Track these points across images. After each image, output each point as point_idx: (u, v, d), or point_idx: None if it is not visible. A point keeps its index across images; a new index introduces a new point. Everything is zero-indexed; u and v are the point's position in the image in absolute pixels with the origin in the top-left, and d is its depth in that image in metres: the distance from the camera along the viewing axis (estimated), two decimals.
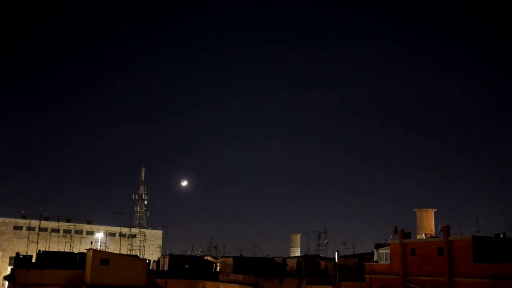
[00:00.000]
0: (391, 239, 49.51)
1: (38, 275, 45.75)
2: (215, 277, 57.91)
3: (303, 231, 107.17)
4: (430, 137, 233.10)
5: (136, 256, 57.41)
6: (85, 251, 49.30)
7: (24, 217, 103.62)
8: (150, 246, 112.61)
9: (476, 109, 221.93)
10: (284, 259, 63.53)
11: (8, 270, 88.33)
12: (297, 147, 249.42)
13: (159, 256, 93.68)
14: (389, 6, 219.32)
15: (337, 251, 50.47)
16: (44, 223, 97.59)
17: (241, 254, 70.39)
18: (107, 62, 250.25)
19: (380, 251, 50.68)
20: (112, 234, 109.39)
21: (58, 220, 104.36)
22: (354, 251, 70.64)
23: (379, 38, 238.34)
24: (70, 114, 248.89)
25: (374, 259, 51.91)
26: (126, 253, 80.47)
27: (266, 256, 73.14)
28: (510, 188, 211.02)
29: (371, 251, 55.55)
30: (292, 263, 61.29)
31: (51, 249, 72.92)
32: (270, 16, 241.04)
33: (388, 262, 48.71)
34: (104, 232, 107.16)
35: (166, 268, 64.02)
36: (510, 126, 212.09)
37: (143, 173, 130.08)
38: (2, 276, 74.79)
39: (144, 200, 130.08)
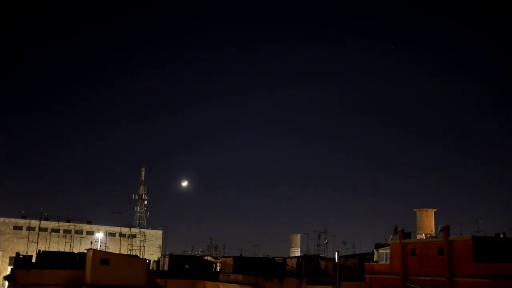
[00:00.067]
0: (391, 239, 49.51)
1: (38, 275, 45.75)
2: (215, 277, 57.91)
3: (303, 231, 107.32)
4: (430, 137, 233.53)
5: (136, 256, 57.41)
6: (85, 251, 49.30)
7: (24, 217, 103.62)
8: (150, 246, 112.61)
9: (476, 109, 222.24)
10: (284, 259, 63.52)
11: (8, 270, 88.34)
12: (297, 147, 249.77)
13: (159, 256, 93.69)
14: (389, 6, 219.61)
15: (337, 251, 50.53)
16: (44, 223, 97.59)
17: (241, 254, 70.40)
18: (107, 62, 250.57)
19: (380, 251, 50.68)
20: (112, 234, 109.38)
21: (58, 220, 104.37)
22: (354, 251, 70.72)
23: (379, 38, 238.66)
24: (70, 114, 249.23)
25: (374, 259, 51.91)
26: (126, 253, 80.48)
27: (266, 256, 73.13)
28: (510, 188, 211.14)
29: (371, 251, 55.54)
30: (292, 263, 61.29)
31: (51, 249, 72.92)
32: (270, 16, 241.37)
33: (388, 262, 48.71)
34: (104, 232, 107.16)
35: (166, 268, 64.03)
36: (510, 126, 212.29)
37: (143, 173, 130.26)
38: (2, 276, 74.81)
39: (144, 200, 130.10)
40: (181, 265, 63.64)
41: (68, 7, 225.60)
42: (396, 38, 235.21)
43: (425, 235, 57.46)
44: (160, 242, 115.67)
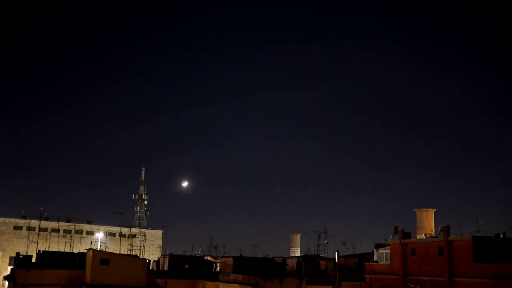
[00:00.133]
0: (391, 239, 49.50)
1: (38, 275, 45.74)
2: (215, 277, 57.90)
3: (303, 231, 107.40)
4: (430, 137, 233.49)
5: (136, 256, 57.40)
6: (85, 251, 49.29)
7: (24, 217, 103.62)
8: (150, 246, 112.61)
9: (476, 109, 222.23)
10: (284, 259, 63.52)
11: (8, 270, 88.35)
12: (297, 147, 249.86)
13: (159, 256, 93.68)
14: (389, 6, 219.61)
15: (337, 251, 50.52)
16: (44, 223, 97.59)
17: (241, 254, 70.40)
18: (107, 62, 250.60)
19: (380, 251, 50.68)
20: (112, 234, 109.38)
21: (58, 220, 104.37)
22: (354, 251, 70.72)
23: (379, 38, 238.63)
24: (70, 114, 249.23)
25: (374, 259, 51.91)
26: (126, 253, 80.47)
27: (266, 256, 73.13)
28: (510, 188, 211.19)
29: (371, 251, 55.54)
30: (292, 263, 61.28)
31: (51, 249, 72.91)
32: (270, 16, 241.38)
33: (388, 262, 48.71)
34: (104, 232, 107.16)
35: (166, 268, 64.02)
36: (510, 126, 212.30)
37: (143, 173, 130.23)
38: (2, 276, 74.82)
39: (144, 200, 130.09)
40: (181, 265, 63.64)
41: (68, 7, 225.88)
42: (396, 38, 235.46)
43: (425, 235, 57.46)
44: (160, 242, 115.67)
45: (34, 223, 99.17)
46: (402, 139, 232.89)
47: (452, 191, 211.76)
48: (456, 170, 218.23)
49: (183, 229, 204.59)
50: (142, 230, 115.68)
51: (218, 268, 67.12)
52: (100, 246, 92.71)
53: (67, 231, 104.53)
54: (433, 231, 62.91)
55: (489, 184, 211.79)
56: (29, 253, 56.49)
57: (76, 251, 77.53)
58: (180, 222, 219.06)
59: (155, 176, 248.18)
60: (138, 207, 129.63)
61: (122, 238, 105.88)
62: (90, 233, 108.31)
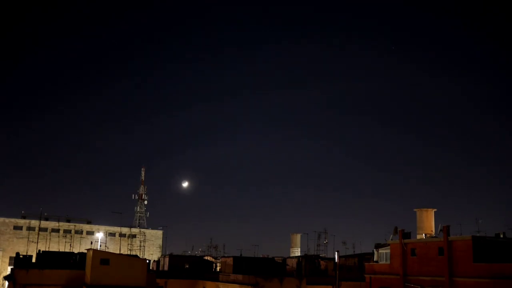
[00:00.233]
0: (391, 239, 49.50)
1: (38, 275, 45.73)
2: (215, 277, 57.90)
3: (303, 231, 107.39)
4: (430, 137, 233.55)
5: (136, 256, 57.40)
6: (85, 251, 49.29)
7: (24, 217, 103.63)
8: (150, 246, 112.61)
9: (476, 109, 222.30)
10: (284, 259, 63.51)
11: (8, 270, 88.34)
12: (297, 147, 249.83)
13: (159, 256, 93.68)
14: (389, 6, 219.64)
15: (337, 251, 50.52)
16: (44, 223, 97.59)
17: (241, 254, 70.41)
18: (107, 62, 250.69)
19: (380, 251, 50.67)
20: (112, 234, 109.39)
21: (58, 220, 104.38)
22: (354, 251, 70.72)
23: (379, 38, 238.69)
24: (70, 114, 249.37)
25: (374, 259, 51.90)
26: (126, 253, 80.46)
27: (266, 256, 73.12)
28: (510, 188, 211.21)
29: (371, 251, 55.53)
30: (292, 263, 61.28)
31: (51, 249, 72.90)
32: (270, 16, 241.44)
33: (388, 262, 48.70)
34: (104, 232, 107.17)
35: (166, 268, 64.01)
36: (510, 126, 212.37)
37: (143, 173, 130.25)
38: (2, 276, 74.82)
39: (144, 200, 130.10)
40: (181, 265, 63.63)
41: (68, 7, 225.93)
42: (396, 38, 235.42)
43: (425, 235, 57.47)
44: (160, 242, 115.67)
45: (34, 223, 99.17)
46: (402, 139, 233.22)
47: (452, 191, 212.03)
48: (456, 170, 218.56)
49: (183, 229, 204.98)
50: (142, 230, 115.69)
51: (218, 268, 67.12)
52: (100, 246, 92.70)
53: (67, 231, 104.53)
54: (433, 231, 62.93)
55: (489, 184, 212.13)
56: (29, 253, 56.49)
57: (76, 251, 77.51)
58: (180, 222, 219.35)
59: (155, 176, 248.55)
60: (138, 207, 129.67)
61: (122, 238, 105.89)
62: (90, 233, 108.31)
